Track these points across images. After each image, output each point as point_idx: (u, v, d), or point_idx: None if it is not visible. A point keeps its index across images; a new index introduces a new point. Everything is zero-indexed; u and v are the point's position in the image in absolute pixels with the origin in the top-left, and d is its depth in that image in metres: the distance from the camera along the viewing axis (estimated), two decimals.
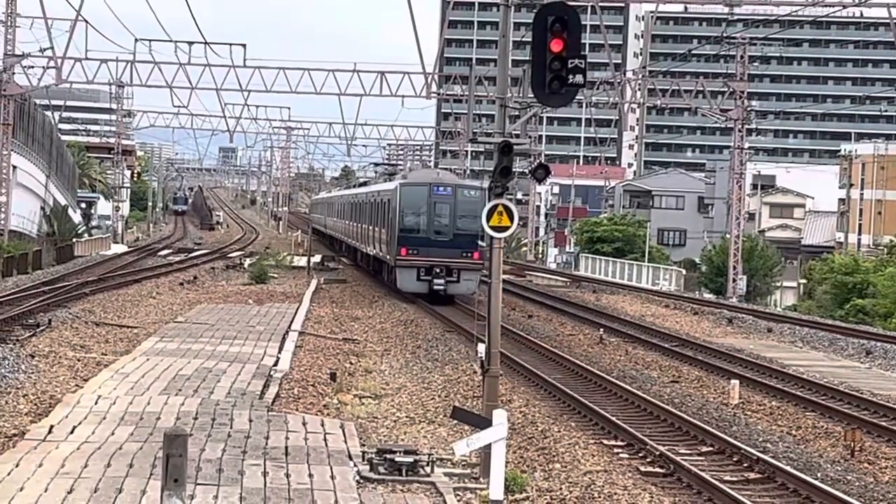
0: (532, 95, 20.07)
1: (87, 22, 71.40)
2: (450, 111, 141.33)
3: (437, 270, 55.17)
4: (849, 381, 34.96)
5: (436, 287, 55.08)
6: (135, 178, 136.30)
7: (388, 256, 58.57)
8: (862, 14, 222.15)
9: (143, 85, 76.85)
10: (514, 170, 20.78)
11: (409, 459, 18.32)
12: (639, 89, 79.98)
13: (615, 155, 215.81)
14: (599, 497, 19.32)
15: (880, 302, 70.34)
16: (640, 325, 49.55)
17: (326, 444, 19.75)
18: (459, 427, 23.08)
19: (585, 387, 31.55)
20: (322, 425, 21.52)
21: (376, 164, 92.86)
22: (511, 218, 20.44)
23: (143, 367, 27.66)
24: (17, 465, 17.05)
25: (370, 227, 65.45)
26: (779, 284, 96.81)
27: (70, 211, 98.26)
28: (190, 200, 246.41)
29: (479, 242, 52.31)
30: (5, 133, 72.95)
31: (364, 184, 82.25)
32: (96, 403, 22.41)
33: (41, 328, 35.77)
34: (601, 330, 44.82)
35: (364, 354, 35.95)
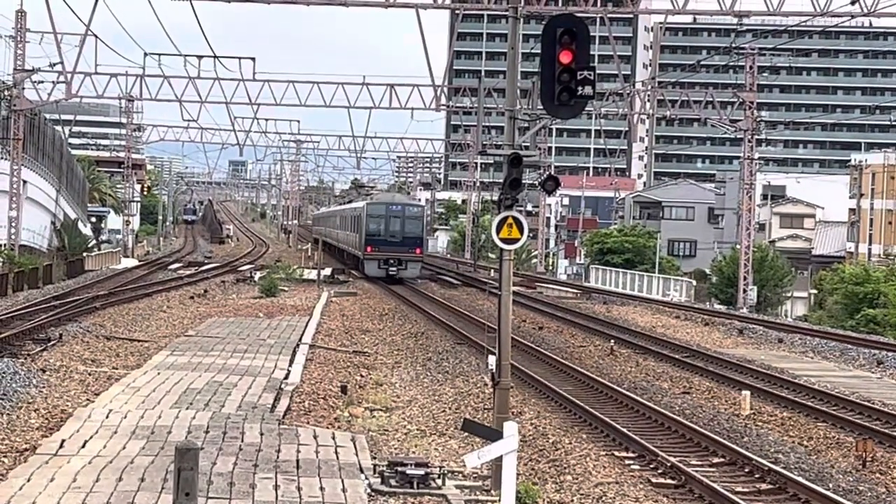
0: (541, 107, 20.07)
1: (96, 37, 71.58)
2: (459, 123, 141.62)
3: (392, 261, 78.06)
4: (860, 391, 34.90)
5: (391, 273, 77.64)
6: (145, 192, 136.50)
7: (359, 252, 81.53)
8: (871, 24, 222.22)
9: (152, 99, 77.08)
10: (523, 181, 20.77)
11: (421, 472, 18.32)
12: (648, 100, 79.99)
13: (625, 166, 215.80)
14: None
15: (891, 312, 70.23)
16: (650, 336, 49.50)
17: (337, 457, 19.75)
18: (470, 439, 23.07)
19: (596, 398, 31.53)
20: (333, 438, 21.53)
21: (360, 186, 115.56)
22: (521, 230, 20.43)
23: (153, 381, 27.68)
24: (28, 480, 17.06)
25: (349, 233, 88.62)
26: (789, 295, 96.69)
27: (80, 225, 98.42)
28: (200, 214, 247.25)
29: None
30: (16, 148, 73.09)
31: (350, 202, 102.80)
32: (107, 417, 22.43)
33: (52, 343, 35.82)
34: (612, 341, 44.78)
35: (375, 367, 35.94)
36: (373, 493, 17.60)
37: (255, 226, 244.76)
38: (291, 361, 33.21)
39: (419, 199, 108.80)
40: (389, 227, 79.25)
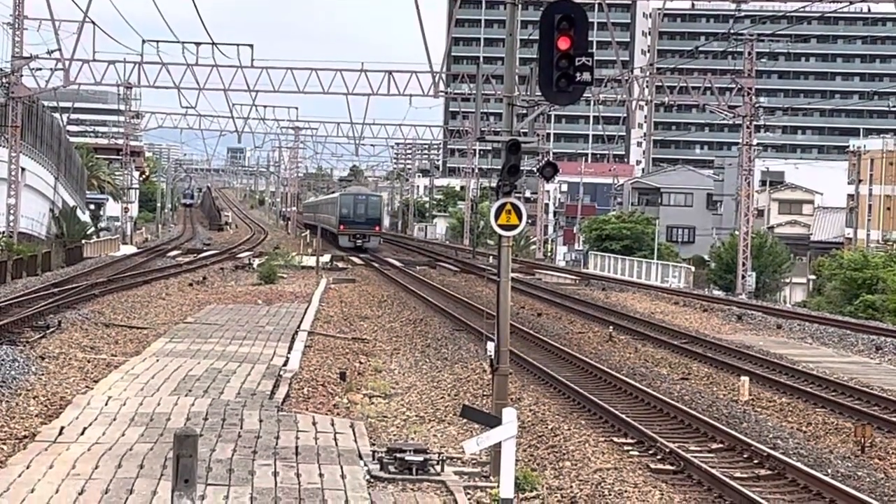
0: (540, 93, 20.03)
1: (94, 24, 71.50)
2: (457, 110, 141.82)
3: (358, 236, 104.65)
4: (859, 377, 34.93)
5: (357, 244, 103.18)
6: (143, 179, 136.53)
7: (335, 230, 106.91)
8: (870, 10, 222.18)
9: (150, 86, 76.76)
10: (522, 168, 20.74)
11: (420, 458, 18.32)
12: (646, 86, 79.91)
13: (623, 152, 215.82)
14: (610, 495, 19.31)
15: (890, 297, 70.26)
16: (649, 322, 49.53)
17: (336, 444, 19.76)
18: (469, 426, 23.08)
19: (595, 384, 31.55)
20: (332, 425, 21.53)
21: (341, 180, 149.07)
22: (519, 216, 20.41)
23: (152, 368, 27.68)
24: (27, 467, 17.07)
25: (328, 216, 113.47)
26: (788, 281, 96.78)
27: (79, 212, 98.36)
28: (199, 201, 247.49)
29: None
30: (14, 135, 73.02)
31: (332, 192, 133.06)
32: (106, 405, 22.44)
33: (51, 330, 35.81)
34: (610, 327, 44.81)
35: (374, 354, 35.96)
36: (372, 480, 17.60)
37: (253, 213, 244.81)
38: (290, 348, 33.20)
39: (379, 192, 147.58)
40: (357, 211, 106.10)
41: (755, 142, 79.01)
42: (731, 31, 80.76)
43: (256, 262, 74.81)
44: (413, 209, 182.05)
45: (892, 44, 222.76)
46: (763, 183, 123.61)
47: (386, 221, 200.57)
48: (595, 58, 19.28)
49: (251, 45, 73.42)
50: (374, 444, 20.18)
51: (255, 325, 39.11)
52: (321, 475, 17.37)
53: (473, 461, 20.33)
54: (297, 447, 19.27)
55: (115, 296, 49.36)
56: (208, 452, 18.27)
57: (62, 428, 20.02)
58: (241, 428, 20.70)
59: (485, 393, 27.41)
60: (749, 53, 75.58)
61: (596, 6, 77.06)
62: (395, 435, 23.14)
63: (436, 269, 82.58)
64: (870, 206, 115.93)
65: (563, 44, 18.94)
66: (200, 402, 23.23)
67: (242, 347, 32.70)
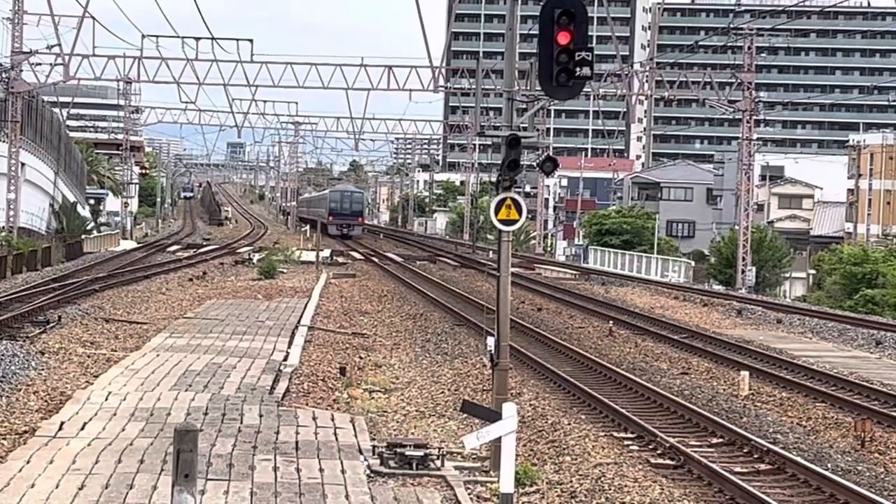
0: (539, 88, 20.00)
1: (94, 19, 71.45)
2: (457, 105, 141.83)
3: (344, 225, 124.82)
4: (859, 372, 34.93)
5: (344, 232, 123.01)
6: (143, 174, 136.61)
7: (325, 220, 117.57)
8: (869, 4, 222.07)
9: (150, 81, 76.53)
10: (522, 163, 20.72)
11: (420, 453, 18.33)
12: (646, 81, 79.84)
13: (623, 147, 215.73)
14: (610, 489, 19.30)
15: (890, 292, 70.25)
16: (649, 317, 49.52)
17: (337, 439, 19.76)
18: (469, 420, 23.07)
19: (595, 379, 31.53)
20: (332, 420, 21.54)
21: (331, 179, 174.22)
22: (519, 211, 20.39)
23: (152, 363, 27.68)
24: (28, 462, 17.07)
25: (320, 209, 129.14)
26: (788, 275, 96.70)
27: (79, 207, 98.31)
28: (199, 195, 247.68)
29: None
30: (14, 130, 72.97)
31: (324, 189, 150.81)
32: (106, 400, 22.45)
33: (51, 325, 35.82)
34: (610, 322, 44.80)
35: (374, 349, 35.97)
36: (372, 475, 17.61)
37: (253, 208, 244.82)
38: (290, 343, 33.22)
39: (359, 189, 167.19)
40: (343, 205, 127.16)
41: (755, 136, 78.99)
42: (731, 25, 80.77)
43: (256, 257, 74.80)
44: (413, 204, 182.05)
45: (891, 38, 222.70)
46: (763, 177, 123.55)
47: (385, 216, 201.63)
48: (595, 52, 19.26)
49: (251, 40, 73.38)
50: (374, 439, 20.19)
51: (255, 320, 39.11)
52: (321, 470, 17.37)
53: (473, 456, 20.34)
54: (297, 442, 19.27)
55: (115, 291, 49.37)
56: (208, 447, 18.28)
57: (62, 423, 20.02)
58: (242, 423, 20.70)
59: (485, 388, 27.41)
60: (749, 48, 75.53)
61: (595, 0, 77.04)
62: (395, 430, 23.15)
63: (436, 264, 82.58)
64: (870, 200, 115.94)
65: (563, 39, 18.91)
66: (200, 396, 23.24)
67: (242, 342, 32.71)
